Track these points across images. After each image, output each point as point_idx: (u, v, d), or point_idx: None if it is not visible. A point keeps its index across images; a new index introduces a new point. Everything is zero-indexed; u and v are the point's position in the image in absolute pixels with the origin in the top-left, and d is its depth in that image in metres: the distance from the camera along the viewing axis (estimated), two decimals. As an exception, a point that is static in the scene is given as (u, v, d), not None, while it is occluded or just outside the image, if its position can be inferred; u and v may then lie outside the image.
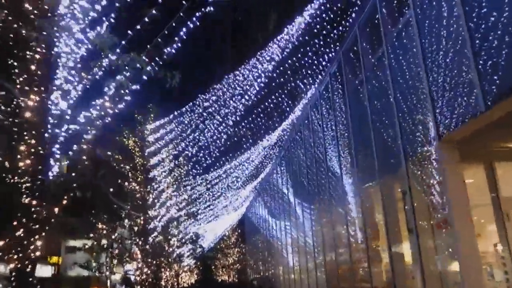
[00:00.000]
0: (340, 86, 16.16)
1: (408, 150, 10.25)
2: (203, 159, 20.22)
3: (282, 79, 15.97)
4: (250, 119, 17.64)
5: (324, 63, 15.42)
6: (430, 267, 9.67)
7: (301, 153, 22.44)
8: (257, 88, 16.38)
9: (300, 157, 22.75)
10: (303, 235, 22.88)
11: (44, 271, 35.10)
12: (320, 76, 16.59)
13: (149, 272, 20.10)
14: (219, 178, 26.39)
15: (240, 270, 67.92)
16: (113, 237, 20.33)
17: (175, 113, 18.94)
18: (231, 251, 73.02)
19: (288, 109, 18.66)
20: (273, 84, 16.23)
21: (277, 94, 16.85)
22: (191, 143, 19.61)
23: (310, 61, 15.19)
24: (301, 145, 22.39)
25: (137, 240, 19.74)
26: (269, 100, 17.06)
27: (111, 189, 20.19)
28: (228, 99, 16.85)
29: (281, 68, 15.42)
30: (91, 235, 23.23)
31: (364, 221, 13.71)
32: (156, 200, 20.56)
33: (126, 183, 20.08)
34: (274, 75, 15.98)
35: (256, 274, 48.74)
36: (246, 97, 16.84)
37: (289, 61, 15.34)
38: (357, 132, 14.55)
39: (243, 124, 17.89)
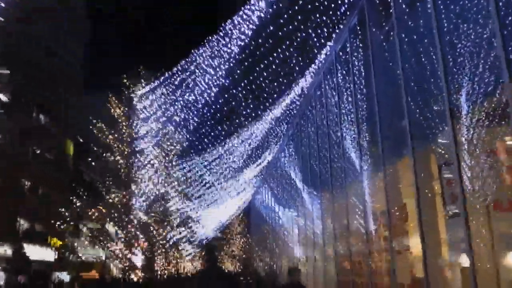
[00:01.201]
0: (361, 44, 13.58)
1: (458, 109, 7.76)
2: (199, 131, 17.71)
3: (289, 37, 13.38)
4: (251, 83, 15.15)
5: (341, 14, 12.83)
6: (482, 260, 7.24)
7: (312, 131, 19.88)
8: (260, 45, 13.82)
9: (311, 136, 20.19)
10: (311, 224, 20.46)
11: (47, 254, 34.00)
12: (335, 32, 14.01)
13: (132, 257, 17.91)
14: (218, 156, 23.97)
15: (246, 260, 66.03)
16: (93, 217, 17.93)
17: (167, 74, 16.53)
18: (237, 241, 71.41)
19: (297, 75, 16.12)
20: (279, 42, 13.65)
21: (283, 55, 14.28)
22: (185, 112, 17.18)
23: (323, 12, 12.61)
24: (312, 121, 19.77)
25: (117, 219, 17.42)
26: (274, 62, 14.50)
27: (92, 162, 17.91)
28: (225, 56, 14.35)
29: (289, 22, 12.83)
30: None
31: (388, 206, 11.23)
32: (141, 175, 18.18)
33: (109, 155, 17.76)
34: (280, 33, 13.41)
35: (261, 264, 46.89)
36: (246, 54, 14.30)
37: (298, 14, 12.71)
38: (383, 98, 12.04)
39: (243, 89, 15.42)
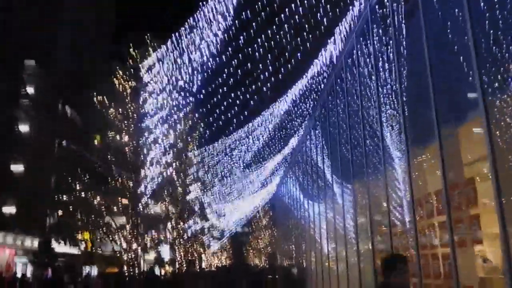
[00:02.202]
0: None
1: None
2: (211, 106, 15.44)
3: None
4: (270, 47, 12.87)
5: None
6: None
7: (342, 110, 17.34)
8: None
9: (340, 116, 17.67)
10: (341, 217, 18.07)
11: (75, 247, 32.93)
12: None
13: (139, 249, 16.00)
14: (237, 139, 21.85)
15: (272, 254, 64.27)
16: (95, 203, 16.01)
17: (176, 37, 14.37)
18: (262, 234, 69.83)
19: (324, 40, 13.73)
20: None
21: (306, 15, 11.93)
22: (196, 81, 14.96)
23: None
24: (342, 97, 17.18)
25: (122, 206, 15.46)
26: (296, 22, 12.15)
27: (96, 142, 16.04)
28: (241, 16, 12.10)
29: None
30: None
31: (445, 185, 8.81)
32: (150, 157, 16.12)
33: (115, 135, 15.86)
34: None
35: (286, 259, 44.94)
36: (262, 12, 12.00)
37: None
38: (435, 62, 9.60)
39: (262, 56, 13.18)
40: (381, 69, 12.81)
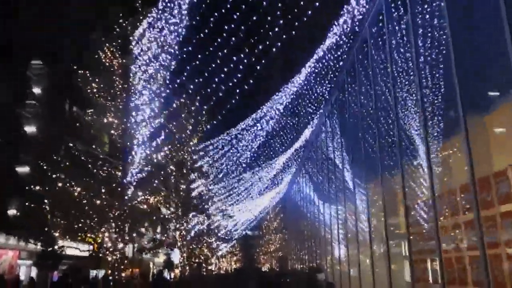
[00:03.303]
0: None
1: None
2: (212, 82, 13.92)
3: None
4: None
5: None
6: None
7: (365, 94, 15.40)
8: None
9: (360, 100, 15.44)
10: (354, 219, 16.65)
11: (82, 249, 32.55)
12: None
13: (124, 248, 14.61)
14: (243, 128, 20.46)
15: (282, 258, 62.81)
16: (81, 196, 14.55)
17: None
18: (273, 237, 68.39)
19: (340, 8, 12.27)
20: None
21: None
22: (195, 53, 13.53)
23: None
24: (363, 78, 14.93)
25: (106, 198, 14.00)
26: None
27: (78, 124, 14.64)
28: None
29: None
30: None
31: (473, 181, 7.44)
32: (137, 140, 14.53)
33: (98, 114, 14.38)
34: None
35: (298, 263, 43.61)
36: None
37: None
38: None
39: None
40: (415, 41, 11.16)
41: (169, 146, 15.87)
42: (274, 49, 12.75)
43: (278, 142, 23.47)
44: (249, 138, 22.01)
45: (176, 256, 30.10)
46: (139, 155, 14.53)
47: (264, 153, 25.35)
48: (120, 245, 14.74)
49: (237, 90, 14.45)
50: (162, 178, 16.09)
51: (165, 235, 26.96)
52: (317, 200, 28.26)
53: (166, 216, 20.26)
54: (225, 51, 13.36)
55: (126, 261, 15.18)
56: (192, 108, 21.47)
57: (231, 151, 24.44)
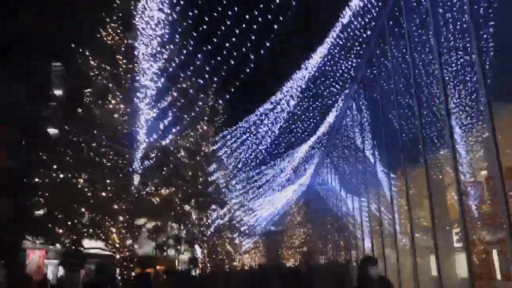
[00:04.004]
0: None
1: None
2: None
3: None
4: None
5: None
6: None
7: (396, 69, 13.56)
8: None
9: (393, 76, 13.51)
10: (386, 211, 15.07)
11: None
12: None
13: (133, 244, 13.27)
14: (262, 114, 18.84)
15: (307, 253, 61.18)
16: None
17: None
18: (297, 232, 66.79)
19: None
20: None
21: None
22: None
23: None
24: (396, 51, 12.98)
25: (112, 190, 12.65)
26: None
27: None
28: None
29: None
30: None
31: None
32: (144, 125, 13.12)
33: (101, 102, 13.05)
34: None
35: (323, 258, 42.23)
36: None
37: None
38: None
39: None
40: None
41: (178, 128, 14.42)
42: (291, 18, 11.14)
43: (300, 129, 21.75)
44: (267, 125, 20.44)
45: (199, 253, 29.37)
46: (143, 138, 13.18)
47: (285, 142, 23.73)
48: (129, 241, 13.46)
49: (251, 66, 12.87)
50: (171, 166, 14.74)
51: (184, 230, 25.87)
52: (343, 191, 26.68)
53: (182, 211, 18.88)
54: (238, 23, 11.88)
55: (136, 259, 13.86)
56: (205, 94, 19.69)
57: (250, 139, 22.93)
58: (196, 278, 23.42)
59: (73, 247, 14.48)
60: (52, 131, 26.51)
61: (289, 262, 70.09)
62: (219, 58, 12.11)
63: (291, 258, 69.53)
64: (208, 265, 29.51)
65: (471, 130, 9.36)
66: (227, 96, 16.14)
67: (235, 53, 12.12)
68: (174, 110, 13.74)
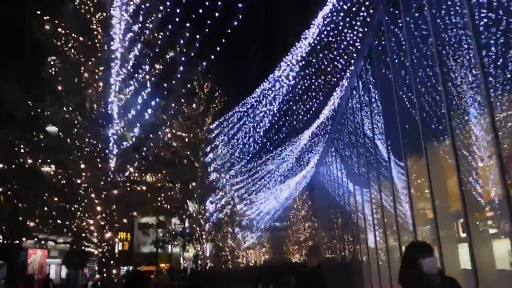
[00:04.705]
0: None
1: None
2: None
3: None
4: None
5: None
6: None
7: (409, 40, 11.98)
8: None
9: (405, 50, 12.23)
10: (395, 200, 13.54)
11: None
12: None
13: (113, 238, 11.90)
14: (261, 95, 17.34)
15: (313, 247, 60.14)
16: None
17: None
18: (302, 226, 65.75)
19: None
20: None
21: None
22: None
23: None
24: (410, 17, 11.69)
25: (86, 176, 11.24)
26: None
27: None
28: None
29: None
30: None
31: None
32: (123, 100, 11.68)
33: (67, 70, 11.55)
34: None
35: (329, 253, 40.95)
36: None
37: None
38: None
39: None
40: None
41: (157, 101, 12.92)
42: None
43: (300, 113, 20.21)
44: (266, 110, 18.99)
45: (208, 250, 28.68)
46: (117, 114, 11.73)
47: (287, 128, 22.26)
48: (108, 235, 12.03)
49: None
50: (155, 151, 13.32)
51: (182, 226, 24.71)
52: (349, 182, 25.30)
53: (178, 204, 17.53)
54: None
55: (116, 255, 12.51)
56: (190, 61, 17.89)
57: (247, 124, 21.50)
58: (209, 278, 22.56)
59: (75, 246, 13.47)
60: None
61: (294, 257, 69.12)
62: (208, 22, 10.70)
63: (297, 254, 68.59)
64: (208, 262, 28.44)
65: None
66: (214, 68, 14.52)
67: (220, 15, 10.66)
68: (153, 79, 12.31)
